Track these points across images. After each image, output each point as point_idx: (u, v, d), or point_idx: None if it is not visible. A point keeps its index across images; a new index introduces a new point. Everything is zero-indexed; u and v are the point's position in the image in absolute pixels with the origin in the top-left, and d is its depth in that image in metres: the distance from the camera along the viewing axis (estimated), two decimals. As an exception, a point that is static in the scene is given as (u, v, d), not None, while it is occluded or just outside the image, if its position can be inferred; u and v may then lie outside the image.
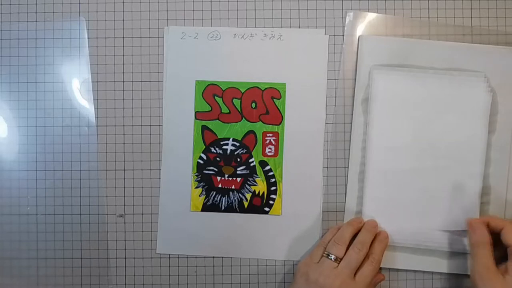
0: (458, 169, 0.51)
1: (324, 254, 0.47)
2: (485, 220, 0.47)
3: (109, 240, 0.53)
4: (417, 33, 0.53)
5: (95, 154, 0.53)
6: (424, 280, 0.52)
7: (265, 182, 0.52)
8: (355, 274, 0.46)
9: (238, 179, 0.52)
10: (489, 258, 0.44)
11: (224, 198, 0.52)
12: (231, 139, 0.52)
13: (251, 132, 0.52)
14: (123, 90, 0.53)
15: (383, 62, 0.52)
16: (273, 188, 0.52)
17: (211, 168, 0.52)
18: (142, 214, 0.53)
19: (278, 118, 0.52)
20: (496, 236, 0.46)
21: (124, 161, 0.53)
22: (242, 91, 0.52)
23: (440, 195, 0.51)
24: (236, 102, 0.52)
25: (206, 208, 0.52)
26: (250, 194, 0.52)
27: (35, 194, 0.53)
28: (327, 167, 0.52)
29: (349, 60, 0.53)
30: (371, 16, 0.53)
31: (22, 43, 0.53)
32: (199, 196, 0.52)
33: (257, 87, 0.52)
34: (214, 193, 0.52)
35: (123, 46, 0.53)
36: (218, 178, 0.52)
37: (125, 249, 0.53)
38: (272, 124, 0.52)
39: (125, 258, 0.53)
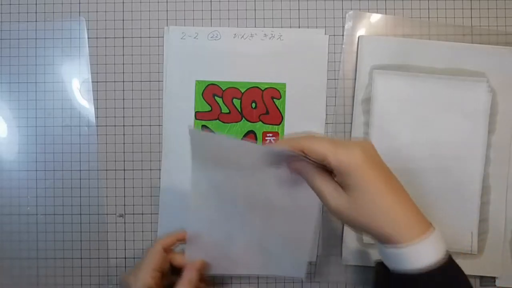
0: (458, 169, 0.51)
1: None
2: (287, 150, 0.39)
3: (109, 240, 0.53)
4: (417, 33, 0.53)
5: (95, 154, 0.53)
6: (424, 280, 0.52)
7: (265, 182, 0.52)
8: None
9: (238, 179, 0.52)
10: (324, 184, 0.39)
11: (224, 198, 0.52)
12: (231, 139, 0.52)
13: (251, 132, 0.52)
14: (123, 90, 0.53)
15: (383, 62, 0.52)
16: (273, 188, 0.52)
17: (211, 168, 0.52)
18: (142, 214, 0.53)
19: (278, 118, 0.52)
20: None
21: (124, 161, 0.53)
22: (242, 91, 0.52)
23: (440, 195, 0.51)
24: (236, 102, 0.52)
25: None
26: (250, 194, 0.52)
27: (35, 194, 0.53)
28: (327, 167, 0.52)
29: (349, 60, 0.53)
30: (371, 16, 0.53)
31: (22, 43, 0.53)
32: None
33: (257, 87, 0.52)
34: (214, 193, 0.52)
35: (123, 46, 0.53)
36: (218, 178, 0.52)
37: (125, 249, 0.53)
38: (272, 124, 0.52)
39: (125, 258, 0.53)
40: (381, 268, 0.40)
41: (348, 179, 0.37)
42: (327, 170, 0.39)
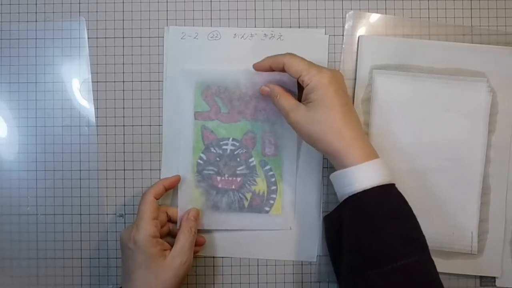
0: (458, 169, 0.51)
1: None
2: (266, 67, 0.47)
3: (109, 240, 0.53)
4: (417, 33, 0.53)
5: (95, 154, 0.53)
6: (424, 280, 0.52)
7: (265, 182, 0.52)
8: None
9: (238, 179, 0.52)
10: (287, 100, 0.46)
11: (224, 198, 0.52)
12: (230, 139, 0.52)
13: (251, 132, 0.52)
14: (123, 90, 0.53)
15: (383, 62, 0.52)
16: (273, 187, 0.52)
17: (211, 168, 0.52)
18: (142, 214, 0.53)
19: (277, 118, 0.52)
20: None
21: (124, 161, 0.53)
22: (242, 91, 0.52)
23: (440, 195, 0.51)
24: (236, 102, 0.52)
25: (206, 208, 0.52)
26: (250, 193, 0.52)
27: (35, 194, 0.53)
28: (327, 167, 0.52)
29: (349, 60, 0.53)
30: (371, 16, 0.53)
31: (22, 43, 0.53)
32: (200, 196, 0.52)
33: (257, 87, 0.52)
34: (215, 193, 0.52)
35: (123, 46, 0.53)
36: (218, 178, 0.52)
37: (125, 249, 0.53)
38: (272, 124, 0.52)
39: (125, 258, 0.53)
40: (328, 220, 0.47)
41: (313, 95, 0.44)
42: (291, 93, 0.47)
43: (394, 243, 0.41)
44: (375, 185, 0.42)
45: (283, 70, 0.46)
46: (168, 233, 0.50)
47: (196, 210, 0.50)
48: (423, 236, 0.43)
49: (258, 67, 0.48)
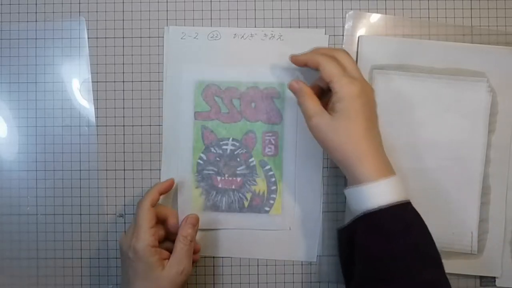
0: (458, 169, 0.51)
1: None
2: (301, 63, 0.47)
3: (109, 240, 0.53)
4: (417, 33, 0.53)
5: (95, 154, 0.53)
6: (424, 280, 0.52)
7: (265, 182, 0.52)
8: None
9: (238, 179, 0.52)
10: (313, 103, 0.45)
11: (224, 198, 0.52)
12: (230, 139, 0.52)
13: (251, 132, 0.52)
14: (123, 90, 0.53)
15: (383, 62, 0.52)
16: (273, 187, 0.52)
17: (211, 168, 0.52)
18: (142, 214, 0.53)
19: (277, 118, 0.52)
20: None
21: (124, 161, 0.53)
22: (242, 91, 0.52)
23: (440, 195, 0.51)
24: (236, 102, 0.52)
25: (206, 208, 0.52)
26: (250, 193, 0.52)
27: (35, 194, 0.53)
28: (327, 167, 0.52)
29: (349, 60, 0.53)
30: (371, 16, 0.53)
31: (22, 43, 0.53)
32: (200, 196, 0.52)
33: (257, 87, 0.52)
34: (215, 193, 0.52)
35: (123, 46, 0.53)
36: (218, 178, 0.52)
37: (125, 249, 0.53)
38: (272, 124, 0.52)
39: (125, 258, 0.53)
40: (342, 232, 0.46)
41: (340, 105, 0.43)
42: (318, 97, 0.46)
43: (408, 258, 0.40)
44: (391, 203, 0.41)
45: (317, 69, 0.45)
46: (166, 238, 0.49)
47: (194, 217, 0.48)
48: (437, 253, 0.42)
49: (295, 61, 0.48)
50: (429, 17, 0.53)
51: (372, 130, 0.44)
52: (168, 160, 0.52)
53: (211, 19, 0.53)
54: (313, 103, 0.45)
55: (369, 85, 0.45)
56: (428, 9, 0.53)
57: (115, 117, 0.53)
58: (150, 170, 0.53)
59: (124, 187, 0.53)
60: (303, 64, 0.47)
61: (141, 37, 0.53)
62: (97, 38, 0.53)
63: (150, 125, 0.53)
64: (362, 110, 0.43)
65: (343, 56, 0.46)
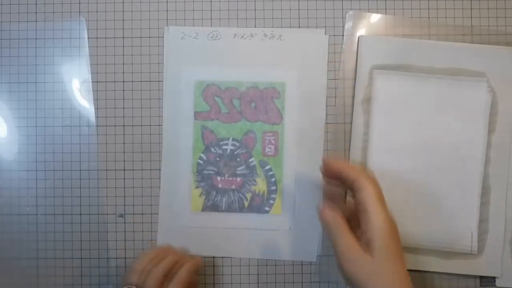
0: (458, 169, 0.51)
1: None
2: (334, 172, 0.42)
3: (109, 240, 0.53)
4: (417, 33, 0.53)
5: (95, 154, 0.53)
6: (425, 280, 0.52)
7: (265, 182, 0.52)
8: None
9: (238, 179, 0.52)
10: (347, 237, 0.39)
11: (224, 198, 0.52)
12: (230, 139, 0.52)
13: (251, 132, 0.52)
14: (123, 90, 0.53)
15: (383, 62, 0.52)
16: (273, 187, 0.52)
17: (211, 168, 0.52)
18: (142, 214, 0.53)
19: (277, 118, 0.52)
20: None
21: (124, 161, 0.53)
22: (242, 91, 0.52)
23: (440, 195, 0.51)
24: (236, 102, 0.52)
25: (206, 208, 0.52)
26: (250, 193, 0.52)
27: (35, 194, 0.53)
28: (327, 167, 0.52)
29: (349, 60, 0.53)
30: (371, 16, 0.53)
31: (22, 43, 0.53)
32: (200, 196, 0.52)
33: (257, 86, 0.52)
34: (215, 193, 0.52)
35: (123, 46, 0.53)
36: (218, 178, 0.52)
37: (125, 249, 0.53)
38: (272, 124, 0.52)
39: (125, 258, 0.53)
40: None
41: (379, 243, 0.38)
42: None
43: None
44: None
45: (350, 187, 0.41)
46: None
47: (194, 263, 0.46)
48: None
49: (328, 167, 0.43)
50: (429, 17, 0.53)
51: (403, 262, 0.40)
52: (168, 160, 0.52)
53: (211, 19, 0.53)
54: (350, 242, 0.39)
55: (391, 218, 0.40)
56: (428, 9, 0.53)
57: (115, 117, 0.53)
58: (150, 170, 0.53)
59: (124, 187, 0.53)
60: (336, 174, 0.42)
61: (141, 37, 0.53)
62: (97, 38, 0.53)
63: (150, 125, 0.53)
64: (395, 249, 0.39)
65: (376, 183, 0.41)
